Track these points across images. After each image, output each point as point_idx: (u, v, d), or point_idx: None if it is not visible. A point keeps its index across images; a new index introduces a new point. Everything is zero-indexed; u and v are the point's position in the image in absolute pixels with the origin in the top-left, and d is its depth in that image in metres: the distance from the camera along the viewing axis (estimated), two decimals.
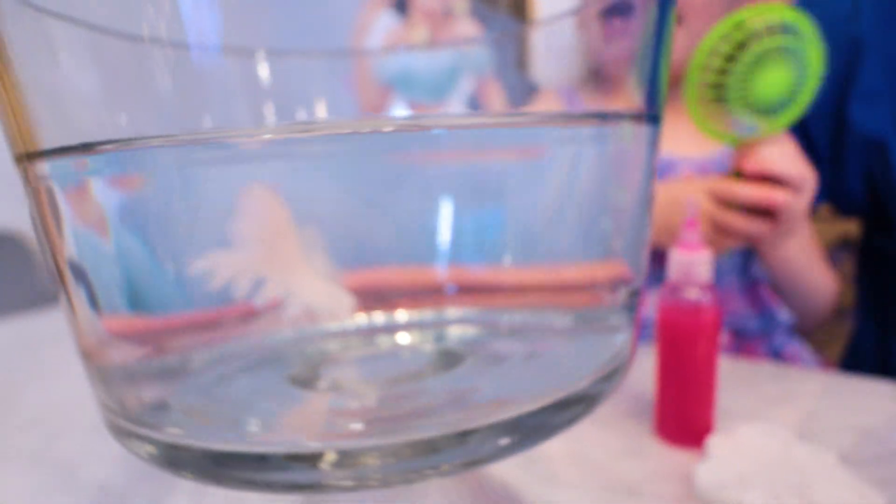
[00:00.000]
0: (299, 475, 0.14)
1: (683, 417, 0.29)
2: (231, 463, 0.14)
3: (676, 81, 0.47)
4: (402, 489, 0.21)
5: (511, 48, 0.16)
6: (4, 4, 0.12)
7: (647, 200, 0.17)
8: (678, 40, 0.44)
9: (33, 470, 0.31)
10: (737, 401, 0.35)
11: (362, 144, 0.14)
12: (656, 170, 0.18)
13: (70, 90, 0.14)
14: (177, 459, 0.15)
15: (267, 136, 0.15)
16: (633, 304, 0.18)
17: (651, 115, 0.16)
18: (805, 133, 0.52)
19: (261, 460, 0.14)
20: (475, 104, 0.17)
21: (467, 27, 0.17)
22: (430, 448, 0.14)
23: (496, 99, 0.17)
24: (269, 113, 0.18)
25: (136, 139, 0.13)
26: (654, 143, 0.17)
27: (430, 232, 0.15)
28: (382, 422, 0.15)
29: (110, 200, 0.14)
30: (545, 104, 0.18)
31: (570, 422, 0.16)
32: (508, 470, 0.28)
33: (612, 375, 0.17)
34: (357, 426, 0.15)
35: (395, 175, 0.15)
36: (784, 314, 0.46)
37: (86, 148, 0.13)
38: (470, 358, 0.18)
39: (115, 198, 0.14)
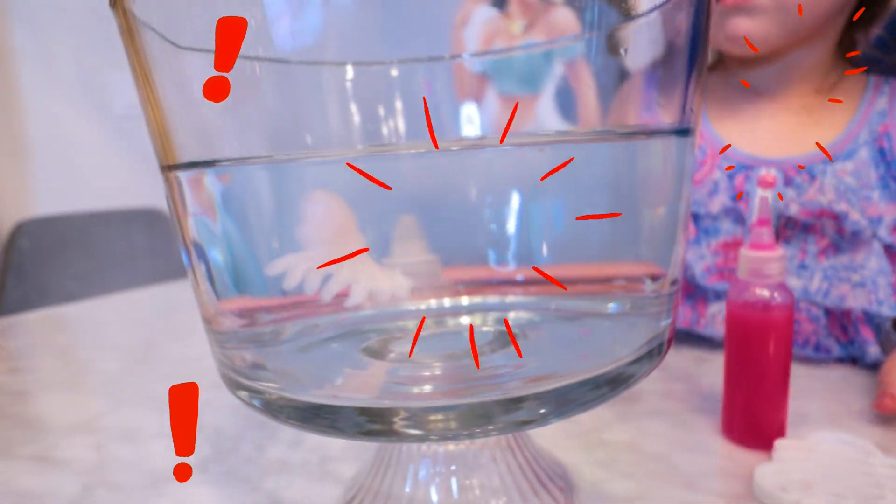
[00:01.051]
0: (371, 426, 0.17)
1: (752, 418, 0.29)
2: (315, 413, 0.18)
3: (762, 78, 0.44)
4: (461, 454, 0.23)
5: (603, 32, 0.17)
6: (155, 49, 0.16)
7: (677, 205, 0.18)
8: (766, 26, 0.40)
9: (163, 413, 0.37)
10: (818, 407, 0.33)
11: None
12: (691, 176, 0.19)
13: (198, 109, 0.17)
14: (272, 407, 0.18)
15: (351, 154, 0.18)
16: (672, 292, 0.19)
17: (682, 129, 0.17)
18: None
19: (338, 412, 0.17)
20: (566, 92, 0.18)
21: (565, 15, 0.17)
22: (483, 410, 0.16)
23: (588, 85, 0.17)
24: (358, 114, 0.20)
25: (244, 158, 0.17)
26: (684, 153, 0.18)
27: (489, 229, 0.17)
28: (442, 388, 0.18)
29: (217, 191, 0.17)
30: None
31: (605, 397, 0.17)
32: (566, 452, 0.29)
33: (649, 356, 0.18)
34: (420, 390, 0.18)
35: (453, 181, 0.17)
36: (875, 350, 0.39)
37: (205, 164, 0.17)
38: (523, 338, 0.20)
39: (220, 189, 0.17)
